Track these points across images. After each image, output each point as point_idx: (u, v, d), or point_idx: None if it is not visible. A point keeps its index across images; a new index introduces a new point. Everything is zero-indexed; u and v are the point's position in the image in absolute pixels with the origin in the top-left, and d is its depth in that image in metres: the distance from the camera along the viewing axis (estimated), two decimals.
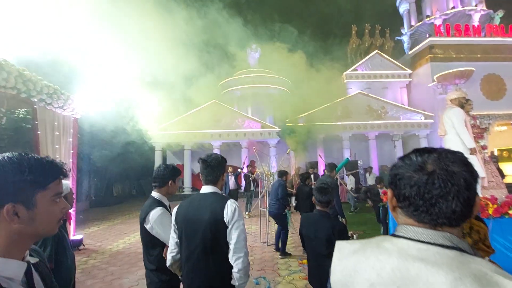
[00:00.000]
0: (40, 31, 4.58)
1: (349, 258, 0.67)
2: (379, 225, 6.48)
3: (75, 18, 4.72)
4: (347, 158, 9.57)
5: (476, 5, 18.04)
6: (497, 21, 17.26)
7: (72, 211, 6.03)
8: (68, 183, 1.94)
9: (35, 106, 5.10)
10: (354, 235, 6.14)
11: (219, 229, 1.57)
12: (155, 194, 2.05)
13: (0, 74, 4.13)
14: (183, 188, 15.59)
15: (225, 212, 1.58)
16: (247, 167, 11.17)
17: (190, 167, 15.52)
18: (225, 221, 1.57)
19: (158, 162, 15.32)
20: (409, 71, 17.77)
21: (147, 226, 1.88)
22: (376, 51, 18.41)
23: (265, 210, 6.55)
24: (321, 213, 2.36)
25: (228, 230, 1.57)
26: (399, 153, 15.73)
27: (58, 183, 0.78)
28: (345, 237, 2.24)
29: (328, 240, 2.15)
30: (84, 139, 11.00)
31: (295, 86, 18.98)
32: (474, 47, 15.96)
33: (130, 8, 5.64)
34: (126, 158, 14.12)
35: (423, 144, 15.82)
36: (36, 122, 5.14)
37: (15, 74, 4.43)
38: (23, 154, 0.73)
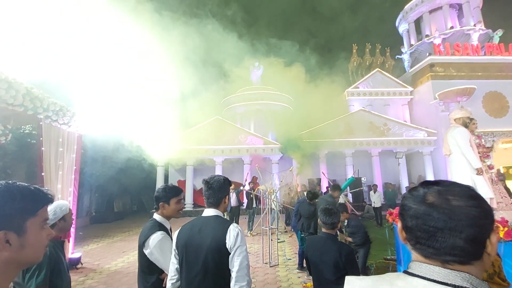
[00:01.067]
0: (48, 50, 4.71)
1: None
2: (385, 246, 6.30)
3: (81, 38, 4.87)
4: (352, 177, 9.47)
5: (474, 25, 18.44)
6: (496, 40, 17.57)
7: (72, 228, 5.95)
8: (66, 203, 1.90)
9: (40, 123, 5.16)
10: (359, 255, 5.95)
11: (221, 255, 1.50)
12: (157, 216, 1.98)
13: (9, 92, 4.21)
14: (185, 204, 15.43)
15: (227, 237, 1.52)
16: (249, 183, 11.06)
17: (192, 183, 15.43)
18: (227, 246, 1.50)
19: (160, 178, 15.26)
20: (410, 88, 17.93)
21: (146, 251, 1.81)
22: (377, 69, 18.69)
23: (267, 228, 6.41)
24: (328, 235, 2.28)
25: (230, 256, 1.50)
26: (403, 170, 15.59)
27: (45, 209, 0.80)
28: (353, 261, 2.13)
29: (335, 265, 2.06)
30: (87, 155, 11.05)
31: (297, 103, 19.18)
32: (474, 65, 16.15)
33: (135, 27, 5.83)
34: (127, 173, 14.09)
35: (427, 161, 15.70)
36: (41, 139, 5.18)
37: (23, 92, 4.52)
38: (11, 182, 0.75)
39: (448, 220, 0.58)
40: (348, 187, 12.24)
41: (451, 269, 0.57)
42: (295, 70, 20.92)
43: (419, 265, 0.61)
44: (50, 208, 1.78)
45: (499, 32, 17.68)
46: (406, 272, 0.63)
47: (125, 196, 17.77)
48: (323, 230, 2.32)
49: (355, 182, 13.16)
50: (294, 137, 15.44)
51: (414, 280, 0.60)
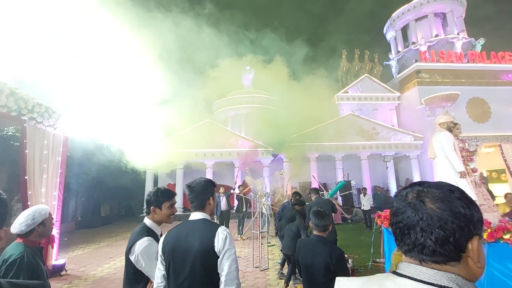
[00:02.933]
0: (33, 50, 4.60)
1: None
2: (376, 248, 6.38)
3: (67, 37, 4.77)
4: (343, 180, 9.56)
5: (458, 33, 19.14)
6: (478, 48, 18.26)
7: (56, 233, 5.76)
8: (46, 207, 1.84)
9: (25, 125, 5.01)
10: (350, 260, 6.00)
11: (210, 259, 1.48)
12: (147, 221, 1.92)
13: None
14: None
15: (215, 240, 1.49)
16: (239, 187, 11.01)
17: (182, 187, 15.24)
18: (216, 250, 1.48)
19: (149, 181, 15.03)
20: (397, 93, 18.37)
21: (132, 257, 1.73)
22: (365, 74, 19.08)
23: (258, 232, 6.39)
24: (319, 238, 2.28)
25: (219, 260, 1.47)
26: (391, 173, 15.88)
27: None
28: (343, 264, 2.15)
29: (326, 267, 2.07)
30: (74, 158, 10.77)
31: (288, 106, 19.32)
32: (458, 72, 16.72)
33: (123, 27, 5.76)
34: (115, 177, 13.80)
35: (414, 165, 16.07)
36: (25, 141, 5.02)
37: (6, 92, 4.39)
38: None
39: (419, 220, 0.59)
40: (338, 190, 12.39)
41: (438, 270, 0.58)
42: (286, 74, 21.14)
43: (407, 266, 0.62)
44: (28, 213, 1.71)
45: (481, 41, 18.40)
46: (394, 272, 0.64)
47: (113, 200, 17.37)
48: (315, 232, 2.32)
49: (345, 186, 13.33)
50: (285, 140, 15.53)
51: (402, 281, 0.61)
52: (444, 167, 3.80)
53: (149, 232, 1.84)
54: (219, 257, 1.48)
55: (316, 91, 18.16)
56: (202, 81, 18.81)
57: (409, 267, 0.62)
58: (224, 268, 1.45)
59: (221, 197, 9.41)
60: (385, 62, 21.75)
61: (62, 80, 4.87)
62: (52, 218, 1.90)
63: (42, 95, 5.19)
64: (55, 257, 5.71)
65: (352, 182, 15.34)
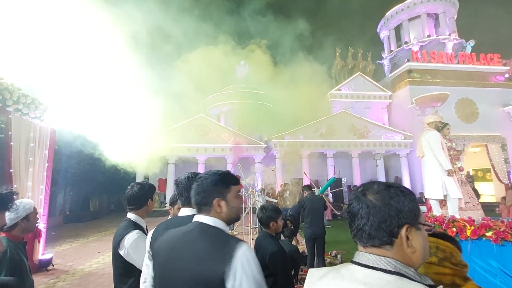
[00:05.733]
0: (18, 40, 4.45)
1: (315, 283, 0.77)
2: None
3: (54, 28, 4.63)
4: (334, 177, 9.66)
5: (449, 34, 19.44)
6: (468, 49, 18.62)
7: (43, 227, 5.65)
8: (31, 201, 1.79)
9: (10, 116, 4.86)
10: (338, 255, 6.10)
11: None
12: (131, 216, 1.89)
13: None
14: (165, 203, 15.12)
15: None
16: None
17: (173, 182, 15.15)
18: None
19: (140, 175, 14.86)
20: (389, 92, 18.59)
21: (122, 252, 1.72)
22: (358, 73, 19.22)
23: (249, 227, 6.41)
24: (264, 234, 2.25)
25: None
26: (381, 171, 16.14)
27: None
28: (276, 263, 1.98)
29: (262, 263, 1.97)
30: (62, 151, 10.54)
31: (281, 103, 19.35)
32: (448, 73, 17.02)
33: (118, 17, 5.63)
34: (104, 171, 13.59)
35: (403, 163, 16.36)
36: (10, 133, 4.88)
37: None
38: None
39: (359, 209, 0.72)
40: (329, 187, 12.53)
41: (378, 255, 0.68)
42: (281, 70, 21.10)
43: (359, 254, 0.73)
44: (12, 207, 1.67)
45: (472, 42, 18.75)
46: (351, 261, 0.74)
47: (102, 194, 17.14)
48: (263, 228, 2.30)
49: (336, 183, 13.48)
50: (277, 137, 15.56)
51: (353, 267, 0.71)
52: (432, 165, 3.88)
53: (136, 226, 1.83)
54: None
55: (310, 88, 18.22)
56: (195, 75, 18.57)
57: (359, 254, 0.73)
58: None
59: None
60: (377, 61, 21.95)
61: (50, 71, 4.73)
62: (37, 213, 1.85)
63: (29, 87, 5.03)
64: (41, 252, 5.61)
65: (343, 179, 15.53)
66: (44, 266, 5.51)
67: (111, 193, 17.88)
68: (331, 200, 13.94)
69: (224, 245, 1.00)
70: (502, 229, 3.12)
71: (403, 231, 0.68)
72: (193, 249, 1.03)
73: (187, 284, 0.99)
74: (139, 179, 14.84)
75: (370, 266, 0.67)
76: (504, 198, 8.52)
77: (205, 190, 1.13)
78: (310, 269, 0.85)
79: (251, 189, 7.84)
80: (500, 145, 15.95)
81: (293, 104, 17.61)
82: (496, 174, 15.64)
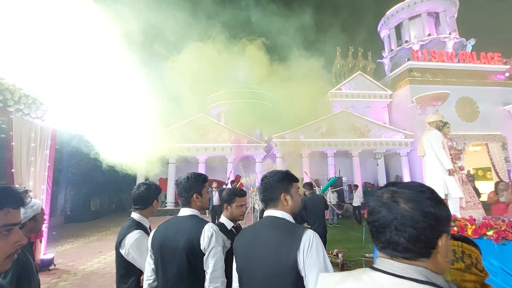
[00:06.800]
0: (19, 40, 4.45)
1: None
2: (364, 243, 6.49)
3: (54, 29, 4.63)
4: (335, 177, 9.68)
5: (450, 33, 19.40)
6: (469, 48, 18.57)
7: (44, 227, 5.66)
8: (39, 202, 1.80)
9: (11, 116, 4.86)
10: (339, 254, 6.10)
11: (196, 256, 1.47)
12: (135, 215, 1.91)
13: None
14: (166, 203, 15.15)
15: (201, 238, 1.48)
16: (231, 182, 11.02)
17: (174, 182, 15.16)
18: (202, 247, 1.47)
19: (140, 175, 14.87)
20: (390, 92, 18.57)
21: (123, 251, 1.74)
22: (359, 72, 19.19)
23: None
24: None
25: (204, 257, 1.47)
26: (381, 170, 16.13)
27: (6, 213, 0.68)
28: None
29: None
30: (64, 151, 10.56)
31: (282, 102, 19.34)
32: (449, 72, 16.99)
33: (118, 16, 5.63)
34: (105, 170, 13.61)
35: (404, 162, 16.36)
36: (11, 133, 4.88)
37: None
38: None
39: (393, 219, 0.63)
40: (330, 187, 12.53)
41: (408, 264, 0.62)
42: (281, 69, 21.07)
43: (382, 261, 0.66)
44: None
45: (472, 41, 18.71)
46: (371, 267, 0.68)
47: (103, 194, 17.16)
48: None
49: (336, 182, 13.48)
50: (278, 136, 15.56)
51: (376, 275, 0.65)
52: (433, 164, 3.89)
53: (139, 226, 1.84)
54: (204, 254, 1.47)
55: (310, 87, 18.19)
56: (195, 74, 18.55)
57: (383, 261, 0.66)
58: (209, 265, 1.45)
59: (213, 192, 9.40)
60: (378, 60, 21.91)
61: (50, 71, 4.73)
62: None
63: (30, 87, 5.04)
64: (43, 252, 5.62)
65: (343, 178, 15.53)
66: (46, 266, 5.53)
67: (112, 193, 17.90)
68: (336, 199, 13.79)
69: (292, 232, 1.16)
70: (503, 228, 3.12)
71: (443, 241, 0.62)
72: (267, 239, 1.20)
73: (265, 270, 1.15)
74: (140, 178, 14.85)
75: (399, 275, 0.62)
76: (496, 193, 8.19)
77: (272, 187, 1.30)
78: (321, 274, 0.81)
79: (252, 189, 7.86)
80: (501, 144, 15.93)
81: (294, 103, 17.61)
82: (497, 173, 15.63)
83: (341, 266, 5.30)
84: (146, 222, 1.94)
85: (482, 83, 16.93)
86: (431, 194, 0.65)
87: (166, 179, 15.31)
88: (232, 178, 13.40)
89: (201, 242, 1.47)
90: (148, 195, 1.94)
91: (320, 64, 21.02)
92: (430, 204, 0.63)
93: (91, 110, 5.18)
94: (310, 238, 1.11)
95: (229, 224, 2.02)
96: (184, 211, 1.62)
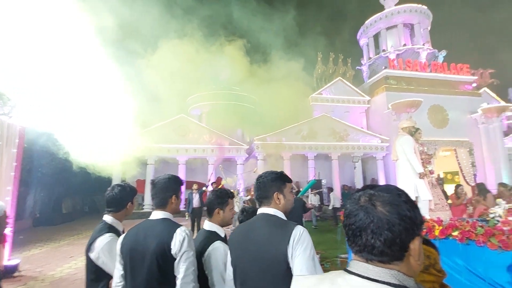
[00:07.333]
0: None
1: None
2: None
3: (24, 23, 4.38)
4: (314, 179, 9.85)
5: (423, 44, 20.52)
6: (440, 59, 19.73)
7: (9, 231, 5.30)
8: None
9: None
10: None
11: (166, 261, 1.41)
12: (107, 218, 1.83)
13: None
14: (143, 205, 14.71)
15: (173, 242, 1.42)
16: (212, 184, 10.92)
17: (150, 182, 14.75)
18: (173, 252, 1.41)
19: (116, 176, 14.33)
20: (368, 98, 19.28)
21: (92, 255, 1.67)
22: (339, 77, 19.78)
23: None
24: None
25: (175, 262, 1.41)
26: (359, 173, 16.67)
27: None
28: None
29: None
30: (33, 150, 9.96)
31: (263, 105, 19.45)
32: (422, 81, 17.95)
33: (91, 11, 5.41)
34: (78, 171, 12.99)
35: (380, 165, 17.01)
36: None
37: None
38: None
39: (370, 222, 0.63)
40: (310, 189, 12.74)
41: (382, 267, 0.63)
42: (263, 73, 21.22)
43: (357, 264, 0.66)
44: None
45: (443, 53, 19.90)
46: (346, 270, 0.68)
47: (76, 196, 16.36)
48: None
49: (316, 184, 13.74)
50: (259, 139, 15.63)
51: (351, 278, 0.65)
52: (406, 168, 4.08)
53: (111, 229, 1.78)
54: (176, 259, 1.42)
55: (292, 91, 18.46)
56: (175, 73, 18.19)
57: (358, 265, 0.66)
58: (180, 271, 1.40)
59: (193, 194, 9.27)
60: (357, 67, 22.71)
61: (19, 65, 4.47)
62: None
63: None
64: (7, 257, 5.26)
65: (323, 181, 15.86)
66: (10, 272, 5.17)
67: (85, 194, 17.11)
68: (318, 201, 13.98)
69: (282, 228, 1.23)
70: (467, 229, 3.33)
71: (416, 244, 0.63)
72: (259, 234, 1.27)
73: (258, 263, 1.22)
74: (116, 180, 14.30)
75: (373, 279, 0.62)
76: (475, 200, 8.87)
77: (266, 186, 1.38)
78: (295, 276, 0.80)
79: (232, 190, 7.83)
80: (468, 149, 17.02)
81: (275, 105, 17.77)
82: (464, 177, 16.65)
83: None
84: (119, 226, 1.86)
85: (452, 92, 18.03)
86: (407, 197, 0.66)
87: (144, 180, 14.88)
88: (213, 180, 13.28)
89: (172, 246, 1.42)
90: (122, 197, 1.86)
91: (301, 67, 21.41)
92: (406, 207, 0.63)
93: (62, 107, 4.93)
94: (299, 233, 1.19)
95: (222, 232, 1.80)
96: (156, 214, 1.56)
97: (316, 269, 1.16)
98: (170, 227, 1.48)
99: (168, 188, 1.59)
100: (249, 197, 10.82)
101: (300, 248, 1.15)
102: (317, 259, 1.18)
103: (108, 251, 1.65)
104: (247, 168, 15.69)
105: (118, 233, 1.79)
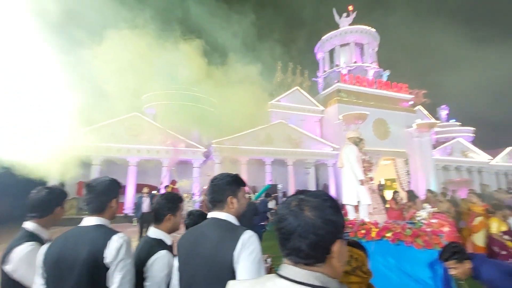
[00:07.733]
0: None
1: None
2: None
3: None
4: (269, 184, 10.04)
5: (371, 63, 22.69)
6: (385, 78, 22.00)
7: None
8: None
9: None
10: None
11: (99, 272, 1.27)
12: (29, 225, 1.60)
13: None
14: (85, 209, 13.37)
15: (107, 250, 1.28)
16: (166, 187, 10.43)
17: (86, 184, 13.50)
18: (106, 261, 1.27)
19: (53, 177, 12.81)
20: (322, 108, 20.54)
21: (8, 267, 1.43)
22: (296, 87, 20.75)
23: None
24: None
25: (109, 272, 1.28)
26: (312, 178, 17.56)
27: None
28: None
29: None
30: None
31: (222, 108, 19.33)
32: (368, 96, 19.81)
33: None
34: (9, 170, 11.31)
35: (331, 172, 18.15)
36: None
37: None
38: None
39: (297, 226, 0.65)
40: (265, 193, 12.94)
41: (308, 270, 0.65)
42: (223, 76, 21.13)
43: (286, 267, 0.68)
44: None
45: (387, 72, 22.25)
46: (277, 274, 0.70)
47: (3, 198, 14.16)
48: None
49: (271, 189, 14.04)
50: (217, 142, 15.47)
51: (280, 282, 0.67)
52: (349, 175, 4.42)
53: (33, 237, 1.55)
54: (109, 269, 1.29)
55: (251, 97, 18.70)
56: (128, 69, 17.05)
57: (288, 268, 0.68)
58: (115, 281, 1.28)
59: (144, 198, 8.74)
60: (313, 79, 24.11)
61: None
62: None
63: None
64: None
65: (278, 185, 16.30)
66: None
67: (16, 197, 14.89)
68: (274, 205, 14.17)
69: (231, 233, 1.21)
70: (398, 231, 3.72)
71: (337, 247, 0.66)
72: (207, 239, 1.24)
73: (205, 269, 1.19)
74: (52, 182, 12.78)
75: (299, 281, 0.64)
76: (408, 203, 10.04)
77: (221, 189, 1.35)
78: (230, 282, 0.80)
79: (185, 194, 7.58)
80: (404, 159, 19.18)
81: (234, 109, 17.78)
82: (400, 184, 18.68)
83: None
84: (44, 233, 1.63)
85: (393, 108, 20.24)
86: (332, 202, 0.69)
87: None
88: (167, 183, 12.70)
89: (106, 254, 1.29)
90: (50, 200, 1.65)
91: (258, 72, 21.77)
92: (330, 212, 0.66)
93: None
94: (247, 238, 1.16)
95: (168, 239, 1.66)
96: (89, 221, 1.41)
97: (260, 273, 1.15)
98: (105, 234, 1.35)
99: (110, 191, 1.48)
100: (201, 198, 10.57)
101: (245, 252, 1.13)
102: (262, 264, 1.18)
103: (29, 263, 1.43)
104: (204, 171, 15.35)
105: (41, 242, 1.57)
